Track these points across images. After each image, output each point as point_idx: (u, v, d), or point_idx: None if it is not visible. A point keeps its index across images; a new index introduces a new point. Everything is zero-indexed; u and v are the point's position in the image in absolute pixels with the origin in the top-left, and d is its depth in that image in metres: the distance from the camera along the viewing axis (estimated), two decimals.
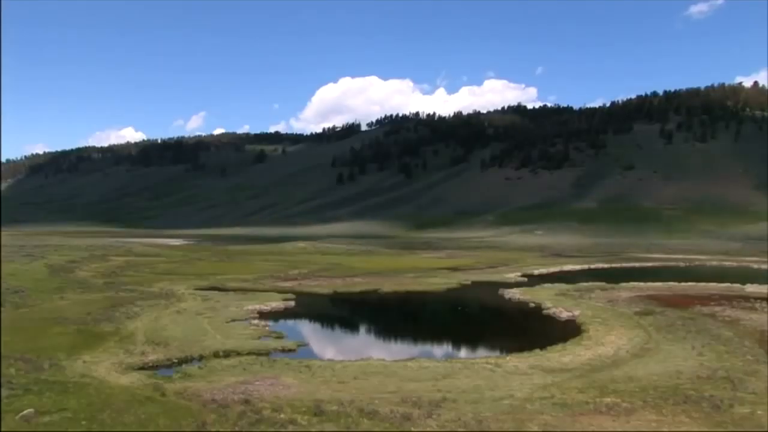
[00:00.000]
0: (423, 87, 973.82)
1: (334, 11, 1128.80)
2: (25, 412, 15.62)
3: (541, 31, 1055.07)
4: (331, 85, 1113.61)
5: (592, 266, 76.48)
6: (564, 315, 38.43)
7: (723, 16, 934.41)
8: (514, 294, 47.85)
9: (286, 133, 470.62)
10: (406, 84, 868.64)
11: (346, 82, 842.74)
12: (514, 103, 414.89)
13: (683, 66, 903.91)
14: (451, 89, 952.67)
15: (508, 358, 26.04)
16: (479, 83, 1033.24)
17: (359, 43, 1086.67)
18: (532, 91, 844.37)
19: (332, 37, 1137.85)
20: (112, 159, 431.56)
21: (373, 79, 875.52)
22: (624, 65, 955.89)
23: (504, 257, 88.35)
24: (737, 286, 50.97)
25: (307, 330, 38.35)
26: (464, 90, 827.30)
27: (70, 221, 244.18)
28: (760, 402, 18.39)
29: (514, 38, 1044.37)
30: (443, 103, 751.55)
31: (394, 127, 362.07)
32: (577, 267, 75.69)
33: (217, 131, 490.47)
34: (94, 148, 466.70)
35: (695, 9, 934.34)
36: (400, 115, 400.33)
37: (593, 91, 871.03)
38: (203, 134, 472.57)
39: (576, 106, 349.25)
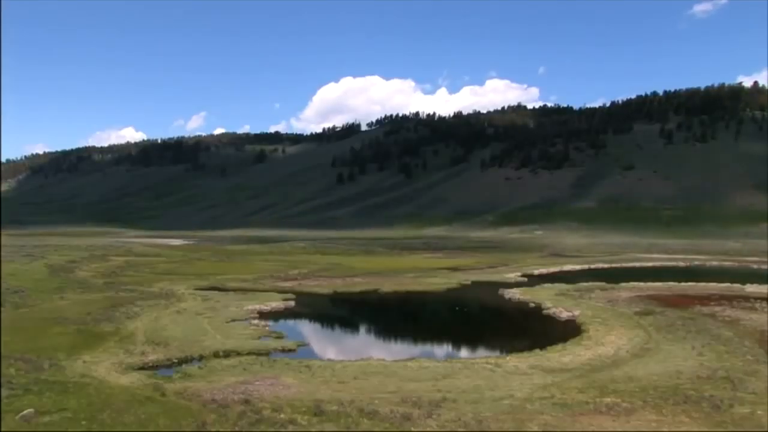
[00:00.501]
0: (425, 87, 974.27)
1: (336, 11, 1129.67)
2: (25, 412, 15.63)
3: (544, 31, 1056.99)
4: (332, 84, 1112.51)
5: (592, 266, 76.41)
6: (564, 315, 38.43)
7: (727, 15, 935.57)
8: (514, 294, 47.83)
9: (286, 133, 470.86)
10: (407, 84, 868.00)
11: (347, 82, 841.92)
12: (515, 103, 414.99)
13: (686, 65, 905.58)
14: (453, 89, 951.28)
15: (508, 358, 26.05)
16: (481, 83, 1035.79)
17: (361, 42, 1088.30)
18: (535, 91, 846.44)
19: (334, 37, 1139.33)
20: (112, 159, 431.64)
21: (375, 79, 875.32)
22: (627, 65, 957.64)
23: (504, 257, 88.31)
24: (737, 286, 50.91)
25: (307, 330, 38.36)
26: (466, 90, 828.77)
27: (70, 221, 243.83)
28: (760, 402, 18.39)
29: (517, 38, 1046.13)
30: (445, 103, 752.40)
31: (394, 127, 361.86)
32: (577, 267, 75.63)
33: (218, 131, 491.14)
34: (94, 148, 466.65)
35: (699, 8, 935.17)
36: (401, 115, 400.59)
37: (596, 91, 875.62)
38: (203, 134, 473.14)
39: (576, 106, 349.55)
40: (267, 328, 33.94)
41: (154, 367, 24.27)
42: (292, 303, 43.41)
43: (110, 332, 30.13)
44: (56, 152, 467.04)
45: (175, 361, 25.31)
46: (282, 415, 16.49)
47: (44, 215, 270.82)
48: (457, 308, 44.23)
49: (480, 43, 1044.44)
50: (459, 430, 15.84)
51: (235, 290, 49.10)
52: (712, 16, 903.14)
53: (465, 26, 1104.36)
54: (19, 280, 48.26)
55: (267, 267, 69.31)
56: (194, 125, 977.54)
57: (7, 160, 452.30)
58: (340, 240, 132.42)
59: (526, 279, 60.51)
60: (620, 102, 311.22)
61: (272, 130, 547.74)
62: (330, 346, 32.85)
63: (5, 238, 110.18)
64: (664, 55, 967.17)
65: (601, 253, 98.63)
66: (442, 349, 32.13)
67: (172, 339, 28.92)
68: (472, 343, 32.74)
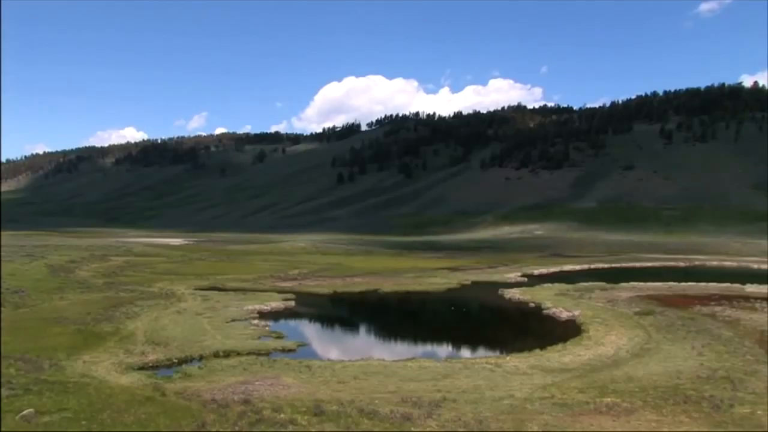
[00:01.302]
0: (427, 86, 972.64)
1: (339, 10, 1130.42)
2: (25, 412, 15.61)
3: (547, 30, 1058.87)
4: (334, 84, 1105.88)
5: (592, 266, 76.45)
6: (564, 315, 38.43)
7: (733, 15, 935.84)
8: (514, 294, 47.84)
9: (286, 133, 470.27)
10: (410, 83, 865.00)
11: (350, 81, 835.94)
12: (517, 102, 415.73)
13: (687, 65, 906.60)
14: (456, 89, 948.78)
15: (508, 358, 26.05)
16: (484, 83, 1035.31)
17: (364, 42, 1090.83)
18: (538, 91, 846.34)
19: (337, 36, 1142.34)
20: (112, 159, 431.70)
21: (378, 78, 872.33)
22: (630, 65, 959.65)
23: (504, 257, 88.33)
24: (737, 286, 50.96)
25: (307, 330, 38.35)
26: (469, 89, 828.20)
27: (70, 221, 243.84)
28: (760, 402, 18.39)
29: (519, 38, 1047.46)
30: (447, 103, 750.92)
31: (394, 126, 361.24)
32: (577, 267, 75.69)
33: (218, 131, 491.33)
34: (94, 148, 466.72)
35: (705, 7, 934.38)
36: (401, 114, 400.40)
37: (599, 91, 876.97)
38: (203, 134, 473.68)
39: (577, 106, 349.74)
40: (267, 328, 33.95)
41: (154, 367, 24.27)
42: (292, 303, 43.42)
43: (110, 332, 30.13)
44: (56, 152, 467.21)
45: (175, 361, 25.31)
46: (282, 415, 16.47)
47: (44, 215, 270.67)
48: (452, 308, 44.14)
49: (483, 43, 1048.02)
50: (459, 430, 15.83)
51: (235, 290, 49.10)
52: (717, 16, 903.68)
53: (468, 26, 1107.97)
54: (19, 280, 48.22)
55: (267, 267, 69.30)
56: (195, 125, 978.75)
57: (7, 160, 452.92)
58: (340, 240, 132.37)
59: (526, 279, 60.54)
60: (620, 102, 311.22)
61: (273, 129, 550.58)
62: (330, 346, 32.85)
63: (5, 238, 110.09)
64: (667, 54, 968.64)
65: (601, 253, 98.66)
66: (442, 349, 32.12)
67: (172, 339, 28.91)
68: (472, 343, 32.74)
